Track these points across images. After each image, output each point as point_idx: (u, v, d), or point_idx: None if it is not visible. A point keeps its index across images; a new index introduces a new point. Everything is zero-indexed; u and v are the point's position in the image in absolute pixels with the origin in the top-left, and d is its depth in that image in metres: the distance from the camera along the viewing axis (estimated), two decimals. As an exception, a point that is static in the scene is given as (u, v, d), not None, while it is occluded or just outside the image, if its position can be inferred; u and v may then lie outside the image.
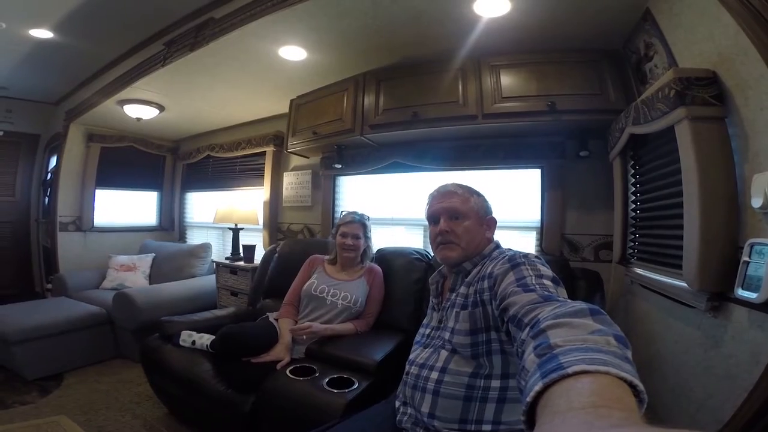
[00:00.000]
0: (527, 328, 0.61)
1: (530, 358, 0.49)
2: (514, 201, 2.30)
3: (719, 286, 1.07)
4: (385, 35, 1.96)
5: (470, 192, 1.18)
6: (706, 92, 1.12)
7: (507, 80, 1.96)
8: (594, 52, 1.87)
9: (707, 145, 1.11)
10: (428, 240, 1.32)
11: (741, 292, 0.97)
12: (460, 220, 1.12)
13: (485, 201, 1.19)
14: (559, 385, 0.39)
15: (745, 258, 0.97)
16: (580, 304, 0.59)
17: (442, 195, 1.17)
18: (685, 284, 1.17)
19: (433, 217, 1.17)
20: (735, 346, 1.03)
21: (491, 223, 1.18)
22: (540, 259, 0.93)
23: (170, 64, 2.37)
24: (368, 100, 2.31)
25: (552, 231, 2.16)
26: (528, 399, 0.40)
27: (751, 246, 0.96)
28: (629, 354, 0.46)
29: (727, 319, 1.07)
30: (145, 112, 3.15)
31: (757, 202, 0.95)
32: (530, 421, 0.40)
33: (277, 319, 1.87)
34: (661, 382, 1.39)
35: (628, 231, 1.78)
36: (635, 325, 1.68)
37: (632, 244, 1.76)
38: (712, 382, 1.11)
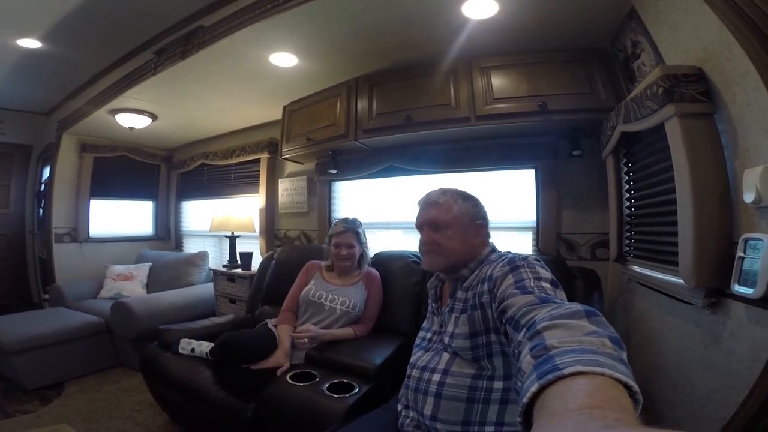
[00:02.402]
0: (524, 330, 0.61)
1: (527, 360, 0.50)
2: (510, 202, 2.31)
3: (716, 282, 1.06)
4: (375, 40, 1.96)
5: (456, 198, 1.15)
6: (693, 89, 1.12)
7: (498, 81, 1.97)
8: (582, 52, 1.88)
9: (697, 141, 1.11)
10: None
11: (738, 288, 0.96)
12: (442, 231, 1.11)
13: (474, 205, 1.17)
14: (555, 386, 0.40)
15: (740, 253, 0.97)
16: (576, 306, 0.59)
17: (425, 206, 1.18)
18: (682, 281, 1.16)
19: (418, 227, 1.18)
20: (734, 342, 1.03)
21: (480, 228, 1.14)
22: (539, 261, 0.93)
23: (161, 73, 2.36)
24: (361, 105, 2.31)
25: (548, 230, 2.16)
26: (524, 400, 0.41)
27: (745, 241, 0.96)
28: (624, 355, 0.46)
29: (725, 315, 1.07)
30: (138, 121, 3.14)
31: (749, 197, 0.94)
32: (527, 422, 0.41)
33: (275, 326, 1.86)
34: (664, 380, 1.39)
35: (623, 228, 1.78)
36: (635, 322, 1.68)
37: (628, 241, 1.76)
38: (714, 378, 1.11)
